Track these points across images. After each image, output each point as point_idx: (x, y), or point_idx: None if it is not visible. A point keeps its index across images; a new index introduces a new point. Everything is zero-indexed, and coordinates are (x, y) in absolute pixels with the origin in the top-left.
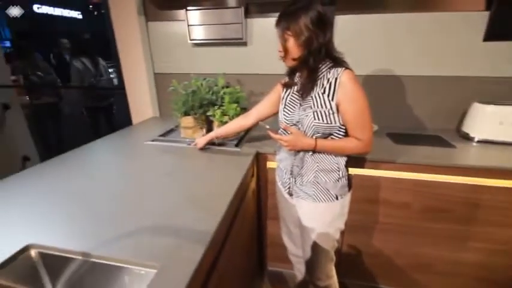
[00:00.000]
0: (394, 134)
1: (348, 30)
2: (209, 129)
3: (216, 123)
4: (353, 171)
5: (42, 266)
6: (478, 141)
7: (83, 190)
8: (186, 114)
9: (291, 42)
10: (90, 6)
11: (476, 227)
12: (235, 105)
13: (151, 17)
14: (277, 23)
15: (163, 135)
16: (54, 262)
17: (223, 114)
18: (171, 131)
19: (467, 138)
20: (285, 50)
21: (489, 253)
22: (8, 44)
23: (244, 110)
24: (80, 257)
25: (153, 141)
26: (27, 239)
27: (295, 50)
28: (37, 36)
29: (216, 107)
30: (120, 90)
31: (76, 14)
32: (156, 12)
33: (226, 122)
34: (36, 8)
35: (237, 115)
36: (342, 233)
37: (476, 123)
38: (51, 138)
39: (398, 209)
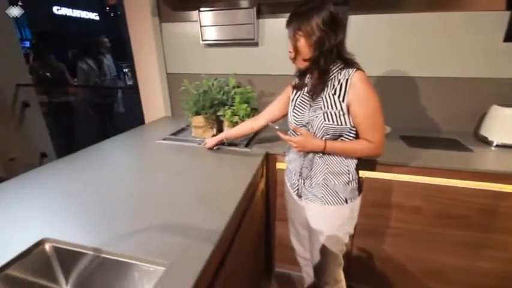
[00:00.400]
0: (408, 136)
1: (361, 30)
2: (219, 129)
3: (226, 123)
4: (364, 173)
5: (56, 260)
6: (497, 146)
7: (96, 187)
8: (197, 113)
9: (302, 43)
10: (107, 8)
11: (492, 234)
12: (246, 105)
13: (164, 18)
14: (288, 23)
15: (174, 134)
16: (67, 256)
17: (234, 114)
18: (182, 130)
19: (485, 142)
20: (296, 51)
21: (505, 262)
22: (27, 44)
23: (254, 110)
24: (92, 252)
25: (164, 139)
26: (42, 233)
27: (306, 51)
28: (56, 37)
29: (226, 107)
30: (127, 90)
31: (93, 16)
32: (169, 13)
33: (236, 122)
34: (55, 9)
35: (247, 115)
36: (351, 237)
37: (495, 126)
38: (67, 135)
39: (411, 214)
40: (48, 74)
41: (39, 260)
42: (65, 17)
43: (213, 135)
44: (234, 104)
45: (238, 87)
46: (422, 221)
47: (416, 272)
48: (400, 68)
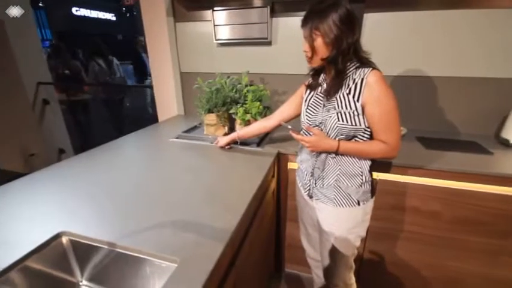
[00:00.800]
0: (425, 138)
1: (378, 28)
2: (231, 127)
3: (238, 121)
4: (378, 175)
5: (72, 253)
6: None
7: (112, 183)
8: (210, 111)
9: (319, 42)
10: (124, 9)
11: None
12: (258, 103)
13: (179, 18)
14: (304, 22)
15: (187, 131)
16: (83, 249)
17: (246, 112)
18: (194, 127)
19: (506, 145)
20: (313, 50)
21: None
22: (47, 44)
23: (267, 108)
24: (106, 247)
25: (177, 138)
26: (60, 226)
27: (323, 50)
28: (75, 36)
29: (238, 105)
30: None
31: (110, 16)
32: (184, 13)
33: (248, 120)
34: (74, 10)
35: (260, 113)
36: (363, 240)
37: None
38: (83, 131)
39: (427, 218)
40: (67, 71)
41: (56, 252)
42: (83, 17)
43: (225, 134)
44: (246, 102)
45: (250, 85)
46: (439, 226)
47: (432, 278)
48: (417, 68)
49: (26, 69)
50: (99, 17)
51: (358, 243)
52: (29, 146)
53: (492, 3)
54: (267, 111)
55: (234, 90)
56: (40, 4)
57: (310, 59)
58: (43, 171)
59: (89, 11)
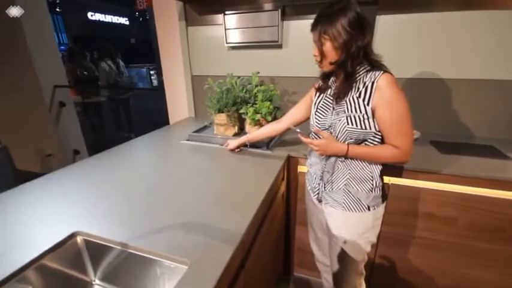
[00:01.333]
0: (439, 142)
1: (390, 30)
2: (241, 127)
3: (248, 121)
4: (390, 179)
5: (86, 252)
6: None
7: (125, 184)
8: (220, 111)
9: (328, 46)
10: (137, 13)
11: None
12: (268, 103)
13: (191, 22)
14: (314, 27)
15: (197, 131)
16: (96, 249)
17: (256, 112)
18: (204, 127)
19: None
20: (322, 54)
21: None
22: (63, 48)
23: (277, 108)
24: (119, 247)
25: (188, 140)
26: (74, 226)
27: (332, 54)
28: (90, 40)
29: (249, 105)
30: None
31: (123, 21)
32: (195, 17)
33: (258, 120)
34: (90, 15)
35: (270, 113)
36: (374, 245)
37: None
38: (96, 132)
39: (442, 224)
40: (85, 72)
41: (71, 251)
42: (98, 22)
43: (235, 134)
44: (256, 102)
45: (261, 85)
46: (455, 232)
47: (445, 286)
48: (431, 70)
49: (44, 73)
50: (113, 21)
51: (368, 248)
52: (46, 147)
53: (509, 4)
54: (277, 111)
55: (244, 91)
56: (57, 9)
57: (319, 63)
58: (59, 172)
59: (103, 15)
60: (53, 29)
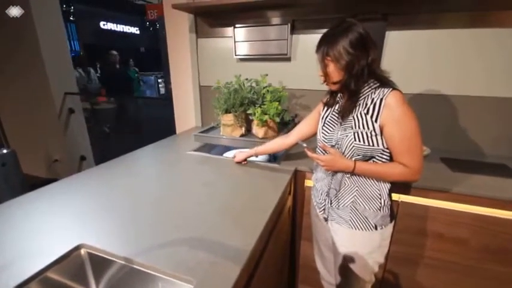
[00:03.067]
0: (450, 159)
1: (400, 46)
2: (248, 129)
3: (255, 122)
4: (400, 197)
5: (89, 265)
6: None
7: (129, 195)
8: (227, 111)
9: (332, 67)
10: (147, 23)
11: None
12: (277, 103)
13: (201, 34)
14: (317, 48)
15: (203, 131)
16: (100, 263)
17: (264, 113)
18: (211, 128)
19: None
20: (326, 75)
21: None
22: (73, 55)
23: (284, 111)
24: (123, 262)
25: (194, 151)
26: (79, 238)
27: (335, 75)
28: (102, 49)
29: (257, 106)
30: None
31: (134, 30)
32: (206, 29)
33: (265, 121)
34: (102, 24)
35: (278, 114)
36: (382, 265)
37: None
38: (103, 138)
39: (453, 245)
40: (88, 83)
41: (75, 264)
42: (110, 31)
43: (242, 135)
44: (264, 103)
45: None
46: (466, 253)
47: None
48: (440, 86)
49: (56, 80)
50: (124, 30)
51: (375, 269)
52: (53, 152)
53: None
54: (284, 113)
55: (251, 92)
56: (71, 18)
57: (325, 83)
58: (65, 180)
59: (115, 25)
60: (66, 38)
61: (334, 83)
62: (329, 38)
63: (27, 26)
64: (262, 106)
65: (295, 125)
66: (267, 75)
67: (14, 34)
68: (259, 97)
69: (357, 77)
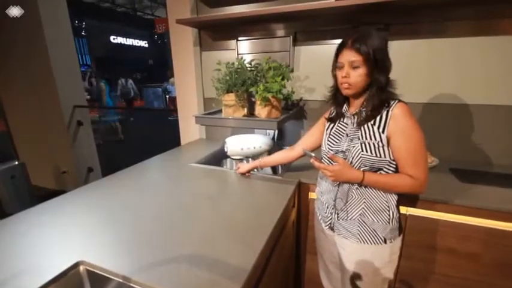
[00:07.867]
0: (459, 170)
1: (402, 56)
2: (251, 112)
3: (258, 102)
4: (408, 210)
5: (88, 282)
6: None
7: (131, 209)
8: (228, 91)
9: (363, 70)
10: (155, 36)
11: None
12: (279, 78)
13: (205, 47)
14: (349, 48)
15: (207, 114)
16: (98, 280)
17: (267, 90)
18: (215, 112)
19: None
20: (355, 77)
21: None
22: (84, 69)
23: (292, 93)
24: (121, 280)
25: (198, 163)
26: (79, 254)
27: (365, 77)
28: (112, 61)
29: (259, 83)
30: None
31: (143, 43)
32: (209, 42)
33: (268, 99)
34: (112, 38)
35: (280, 91)
36: (391, 283)
37: None
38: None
39: (465, 260)
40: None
41: (73, 281)
42: (119, 45)
43: (244, 115)
44: (267, 81)
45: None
46: (478, 269)
47: None
48: (450, 95)
49: (65, 93)
50: (134, 44)
51: (385, 286)
52: (62, 164)
53: None
54: (291, 95)
55: (254, 72)
56: (82, 33)
57: (350, 86)
58: (70, 194)
59: (124, 39)
60: (77, 52)
61: (363, 87)
62: (364, 38)
63: (38, 42)
64: (265, 84)
65: (300, 109)
66: (269, 58)
67: (24, 51)
68: (261, 77)
69: (387, 82)
